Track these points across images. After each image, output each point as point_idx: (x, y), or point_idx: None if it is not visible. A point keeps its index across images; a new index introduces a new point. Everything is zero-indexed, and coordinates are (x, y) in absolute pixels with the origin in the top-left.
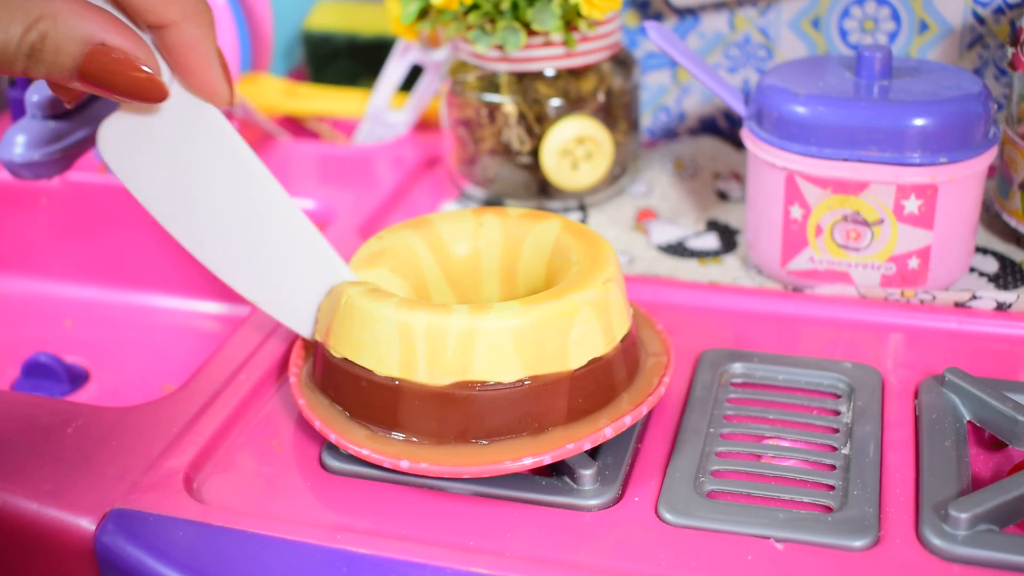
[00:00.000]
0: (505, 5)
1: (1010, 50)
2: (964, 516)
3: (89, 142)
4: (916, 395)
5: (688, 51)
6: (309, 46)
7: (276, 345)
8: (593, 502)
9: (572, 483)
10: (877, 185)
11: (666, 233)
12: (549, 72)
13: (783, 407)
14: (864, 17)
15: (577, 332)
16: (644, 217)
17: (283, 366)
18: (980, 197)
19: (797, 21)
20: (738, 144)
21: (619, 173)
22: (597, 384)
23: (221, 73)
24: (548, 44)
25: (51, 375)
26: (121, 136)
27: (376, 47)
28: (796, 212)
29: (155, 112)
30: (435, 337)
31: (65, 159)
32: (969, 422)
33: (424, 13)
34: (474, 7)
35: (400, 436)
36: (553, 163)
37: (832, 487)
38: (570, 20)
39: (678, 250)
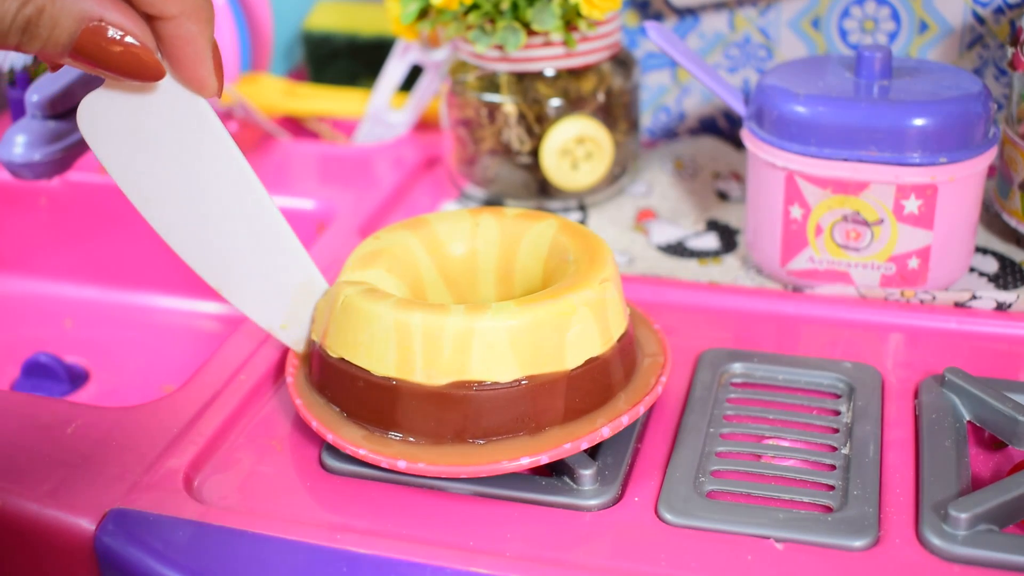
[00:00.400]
0: (505, 5)
1: (1010, 50)
2: (964, 516)
3: None
4: (916, 395)
5: (688, 51)
6: (309, 46)
7: (276, 345)
8: (593, 502)
9: (572, 483)
10: (877, 185)
11: (666, 233)
12: (549, 72)
13: (783, 407)
14: (864, 17)
15: (574, 332)
16: (644, 217)
17: (283, 366)
18: (980, 197)
19: (797, 21)
20: (738, 144)
21: (619, 173)
22: (594, 384)
23: (212, 68)
24: (548, 44)
25: (51, 375)
26: (103, 112)
27: (376, 47)
28: (796, 212)
29: (141, 92)
30: (432, 337)
31: (65, 159)
32: (969, 422)
33: (424, 13)
34: (474, 7)
35: (397, 436)
36: (553, 163)
37: (832, 487)
38: (570, 20)
39: (678, 250)
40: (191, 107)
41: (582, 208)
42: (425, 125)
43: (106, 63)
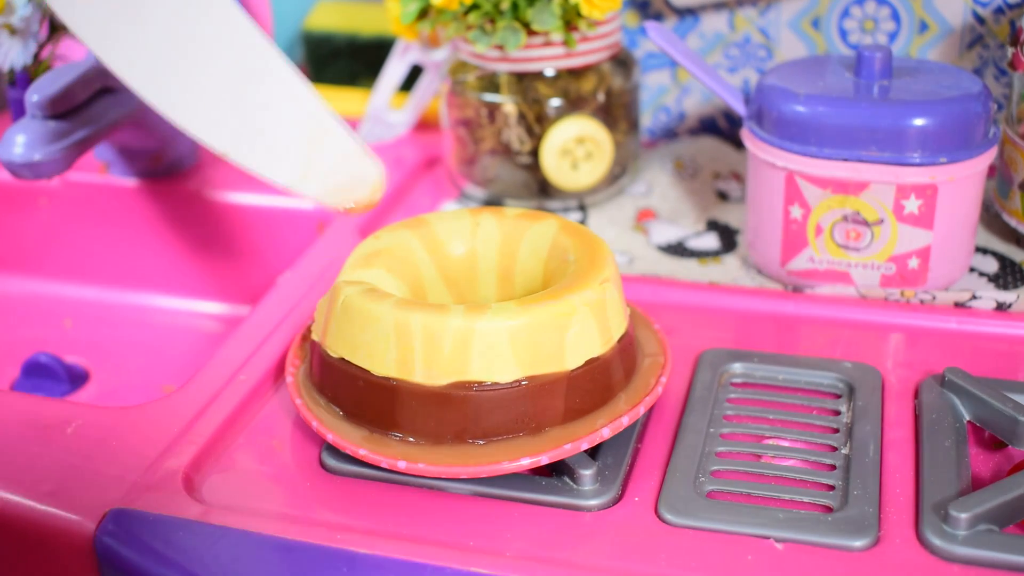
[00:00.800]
0: (505, 5)
1: (1010, 50)
2: (964, 516)
3: (89, 142)
4: (916, 395)
5: (688, 51)
6: (309, 46)
7: (275, 345)
8: (593, 502)
9: (572, 483)
10: (877, 185)
11: (666, 233)
12: (549, 72)
13: (783, 407)
14: (864, 17)
15: (574, 332)
16: (644, 217)
17: (283, 366)
18: (980, 197)
19: (797, 21)
20: (738, 144)
21: (619, 173)
22: (594, 384)
23: None
24: (548, 44)
25: (51, 375)
26: None
27: (376, 47)
28: (796, 212)
29: None
30: (432, 337)
31: (65, 159)
32: (969, 422)
33: (424, 13)
34: (474, 7)
35: (397, 436)
36: (553, 163)
37: (832, 487)
38: (570, 20)
39: (678, 250)
40: None
41: (582, 208)
42: (425, 125)
43: None
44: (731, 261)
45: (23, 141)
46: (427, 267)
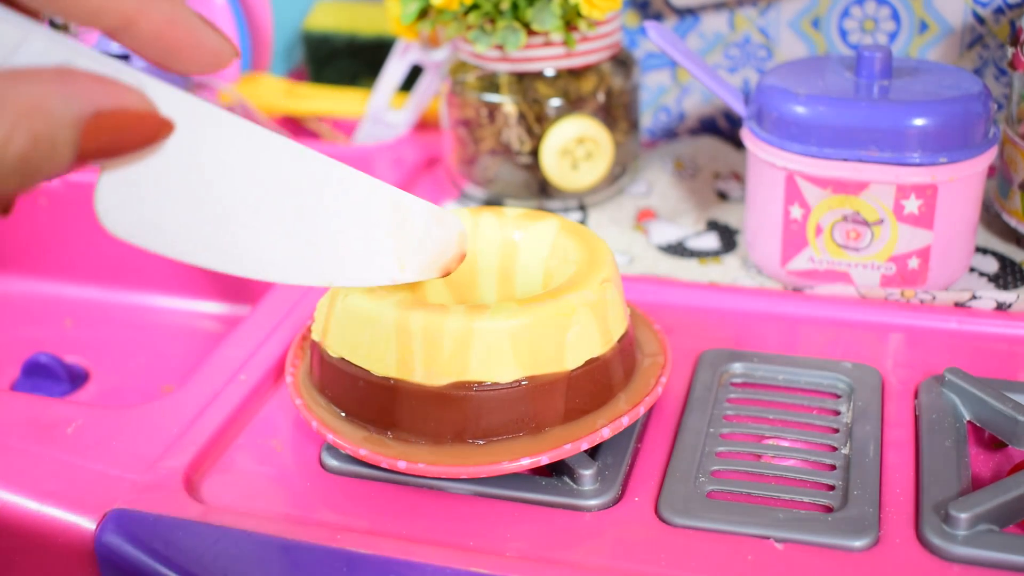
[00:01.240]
0: (505, 5)
1: (1010, 50)
2: (964, 516)
3: None
4: (916, 395)
5: (688, 51)
6: (309, 46)
7: (276, 345)
8: (593, 502)
9: (572, 483)
10: (877, 185)
11: (666, 233)
12: (549, 72)
13: (783, 407)
14: (864, 17)
15: (574, 332)
16: (644, 217)
17: (283, 366)
18: (980, 197)
19: (797, 21)
20: (738, 144)
21: (619, 173)
22: (594, 384)
23: (214, 33)
24: (548, 44)
25: (51, 375)
26: (122, 197)
27: (376, 47)
28: (796, 212)
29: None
30: (432, 337)
31: None
32: (969, 422)
33: (424, 13)
34: (474, 7)
35: (397, 436)
36: (553, 163)
37: (832, 487)
38: (570, 20)
39: (678, 250)
40: (195, 119)
41: (582, 208)
42: (425, 125)
43: (118, 151)
44: (731, 261)
45: None
46: None
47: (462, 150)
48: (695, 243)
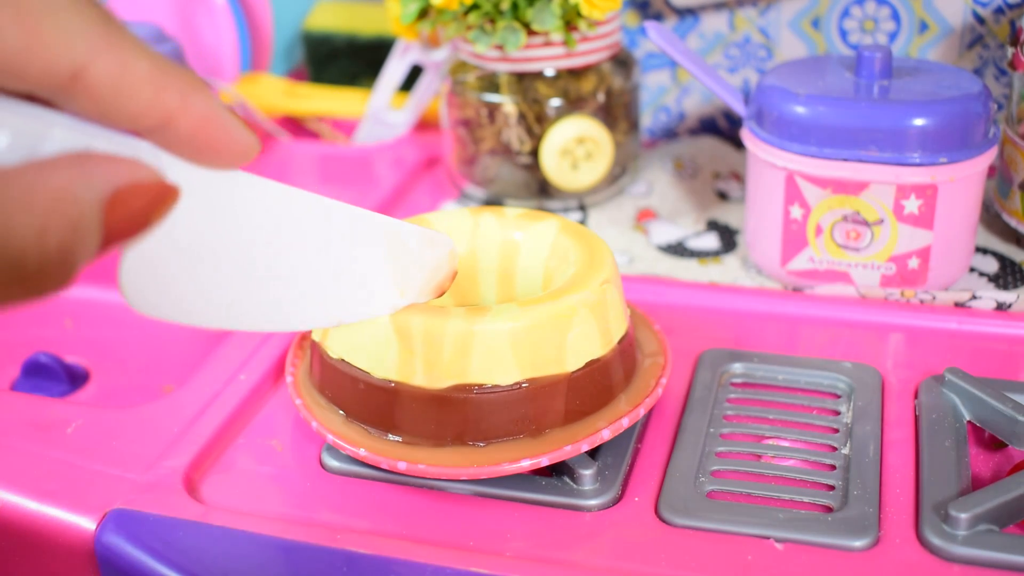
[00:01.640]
0: (505, 5)
1: (1010, 50)
2: (964, 516)
3: None
4: (916, 395)
5: (688, 51)
6: (309, 46)
7: (276, 345)
8: (593, 502)
9: (572, 483)
10: (877, 185)
11: (666, 233)
12: (549, 72)
13: (783, 407)
14: (864, 17)
15: (574, 334)
16: (644, 217)
17: (283, 366)
18: (980, 197)
19: (797, 21)
20: (738, 144)
21: (619, 173)
22: (595, 386)
23: (243, 126)
24: (548, 44)
25: (51, 375)
26: (146, 274)
27: (376, 47)
28: (796, 212)
29: (165, 221)
30: (432, 340)
31: None
32: (969, 422)
33: (424, 13)
34: (474, 7)
35: (398, 438)
36: (553, 163)
37: (832, 487)
38: (570, 20)
39: (678, 250)
40: (197, 182)
41: (582, 208)
42: (425, 125)
43: (136, 225)
44: (731, 261)
45: None
46: None
47: (462, 150)
48: (695, 243)
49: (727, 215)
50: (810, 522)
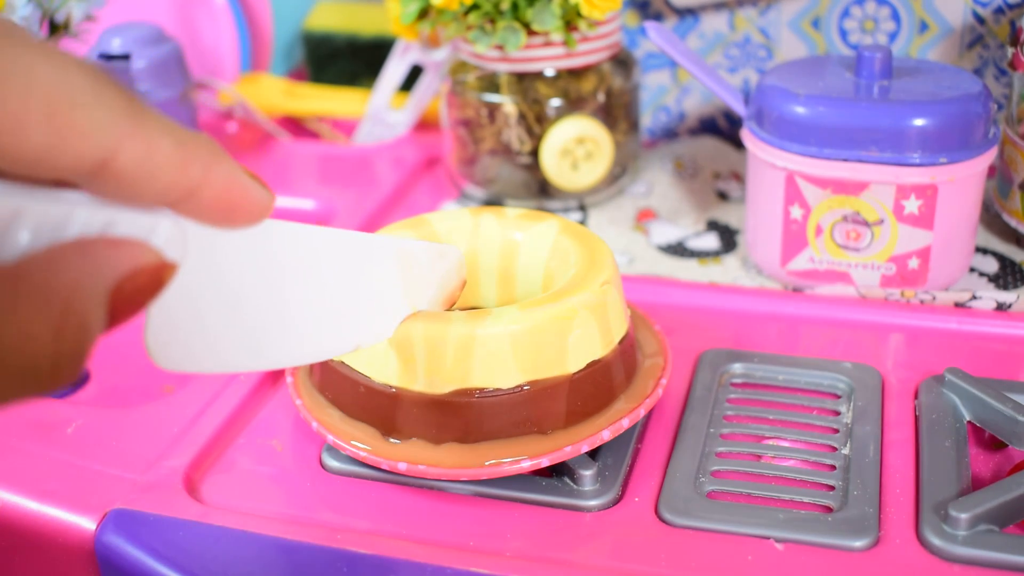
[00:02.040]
0: (505, 5)
1: (1010, 50)
2: (964, 516)
3: None
4: (916, 395)
5: (688, 51)
6: (309, 46)
7: None
8: (593, 502)
9: (572, 484)
10: (877, 185)
11: (666, 233)
12: (549, 72)
13: (783, 407)
14: (864, 17)
15: (575, 335)
16: (644, 217)
17: None
18: (980, 197)
19: (797, 21)
20: (738, 144)
21: (619, 173)
22: (596, 387)
23: (259, 185)
24: (548, 44)
25: None
26: (167, 333)
27: (376, 47)
28: (796, 212)
29: (178, 272)
30: (434, 346)
31: None
32: (969, 422)
33: (424, 13)
34: (474, 7)
35: (398, 441)
36: (553, 163)
37: (832, 487)
38: (570, 20)
39: (678, 250)
40: (207, 238)
41: (582, 208)
42: (425, 125)
43: (135, 309)
44: (731, 261)
45: None
46: None
47: (462, 150)
48: (695, 243)
49: (727, 215)
50: (810, 522)
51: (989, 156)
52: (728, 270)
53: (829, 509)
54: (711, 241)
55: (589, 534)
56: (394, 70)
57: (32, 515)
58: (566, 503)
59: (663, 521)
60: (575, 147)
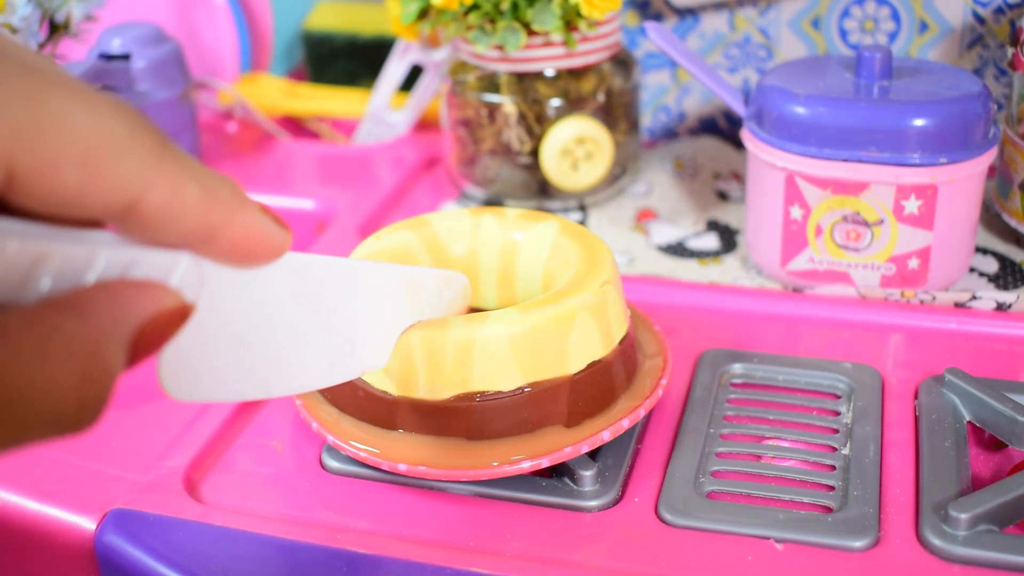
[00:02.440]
0: (505, 5)
1: (1010, 50)
2: (964, 516)
3: None
4: (916, 395)
5: (688, 51)
6: (309, 46)
7: None
8: (593, 503)
9: (572, 484)
10: (877, 185)
11: (666, 233)
12: (549, 72)
13: (783, 407)
14: (864, 17)
15: (575, 336)
16: (644, 217)
17: None
18: (980, 197)
19: (797, 21)
20: (738, 144)
21: (619, 173)
22: (596, 387)
23: (276, 224)
24: (548, 44)
25: None
26: (183, 362)
27: (376, 47)
28: (796, 212)
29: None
30: (433, 351)
31: None
32: (969, 422)
33: (424, 13)
34: (474, 7)
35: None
36: (553, 163)
37: (832, 487)
38: (570, 20)
39: (678, 250)
40: (220, 274)
41: (582, 208)
42: (425, 125)
43: (150, 352)
44: (731, 261)
45: None
46: (427, 267)
47: (462, 150)
48: (695, 243)
49: (727, 215)
50: (810, 522)
51: (989, 156)
52: (728, 270)
53: (829, 509)
54: (711, 241)
55: (589, 534)
56: (394, 70)
57: (32, 515)
58: (566, 503)
59: (663, 521)
60: (575, 147)
